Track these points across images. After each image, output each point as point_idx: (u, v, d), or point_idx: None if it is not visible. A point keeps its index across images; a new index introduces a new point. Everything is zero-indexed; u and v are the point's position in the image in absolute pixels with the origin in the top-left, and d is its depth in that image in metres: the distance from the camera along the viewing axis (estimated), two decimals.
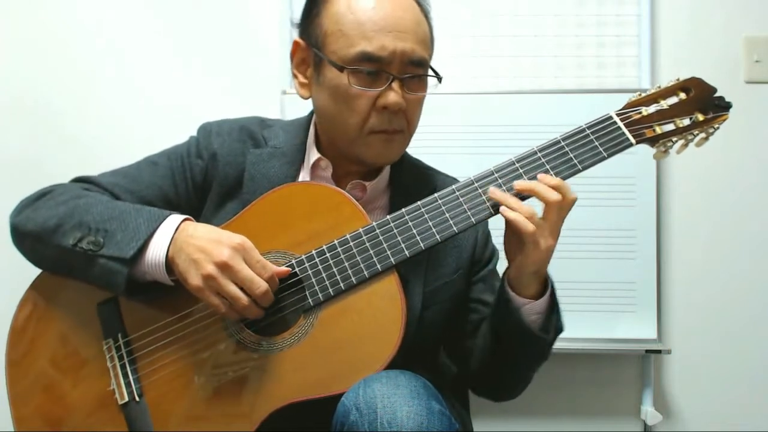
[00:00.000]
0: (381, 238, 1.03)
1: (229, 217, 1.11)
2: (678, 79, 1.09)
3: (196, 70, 2.00)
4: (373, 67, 1.06)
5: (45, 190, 1.14)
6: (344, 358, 0.98)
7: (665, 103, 1.07)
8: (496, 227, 1.10)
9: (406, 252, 1.02)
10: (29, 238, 1.08)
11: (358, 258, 1.03)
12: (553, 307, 1.08)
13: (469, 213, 1.03)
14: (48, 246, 1.05)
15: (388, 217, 1.05)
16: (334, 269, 1.03)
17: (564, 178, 1.03)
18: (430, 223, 1.03)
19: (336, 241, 1.04)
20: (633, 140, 1.05)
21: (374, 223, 1.04)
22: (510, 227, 1.03)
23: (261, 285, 0.97)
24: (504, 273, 1.09)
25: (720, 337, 1.93)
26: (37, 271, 1.12)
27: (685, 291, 1.94)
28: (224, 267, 0.96)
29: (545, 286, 1.07)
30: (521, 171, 1.04)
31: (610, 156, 1.05)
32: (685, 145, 1.08)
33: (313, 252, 1.04)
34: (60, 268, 1.08)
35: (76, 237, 1.03)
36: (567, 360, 1.93)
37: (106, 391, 1.04)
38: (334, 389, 0.94)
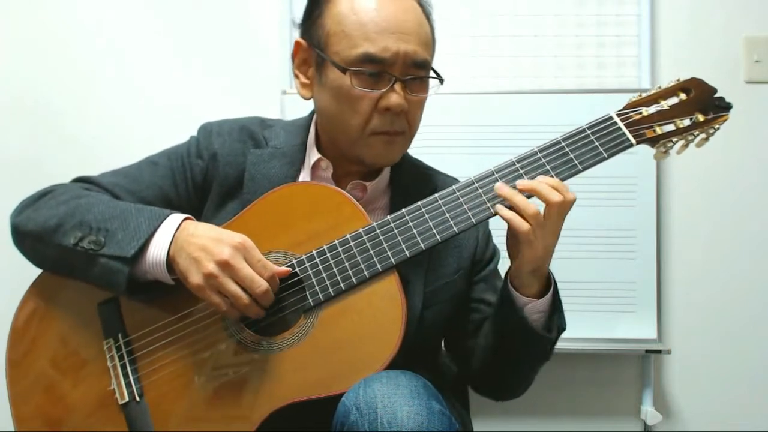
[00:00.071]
0: (381, 238, 1.03)
1: (230, 217, 1.11)
2: (678, 80, 1.09)
3: (196, 70, 2.00)
4: (376, 69, 1.06)
5: (45, 190, 1.14)
6: (344, 358, 0.98)
7: (665, 104, 1.07)
8: (497, 227, 1.10)
9: (407, 252, 1.02)
10: (30, 238, 1.08)
11: (359, 258, 1.03)
12: (556, 306, 1.08)
13: (469, 213, 1.03)
14: (49, 246, 1.05)
15: (388, 217, 1.05)
16: (335, 269, 1.03)
17: (564, 179, 1.03)
18: (431, 224, 1.03)
19: (336, 241, 1.04)
20: (633, 141, 1.05)
21: (374, 223, 1.04)
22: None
23: (261, 284, 0.97)
24: (506, 272, 1.09)
25: (720, 337, 1.93)
26: (38, 271, 1.12)
27: (685, 291, 1.94)
28: (225, 266, 0.96)
29: (548, 285, 1.07)
30: (521, 171, 1.04)
31: (610, 156, 1.05)
32: (686, 146, 1.08)
33: (314, 252, 1.04)
34: (61, 268, 1.08)
35: (77, 236, 1.03)
36: (567, 360, 1.93)
37: (106, 391, 1.04)
38: (334, 389, 0.94)
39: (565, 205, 1.00)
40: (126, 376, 1.03)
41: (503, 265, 1.15)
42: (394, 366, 0.95)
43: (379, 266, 1.02)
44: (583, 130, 1.06)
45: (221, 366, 1.02)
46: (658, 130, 1.06)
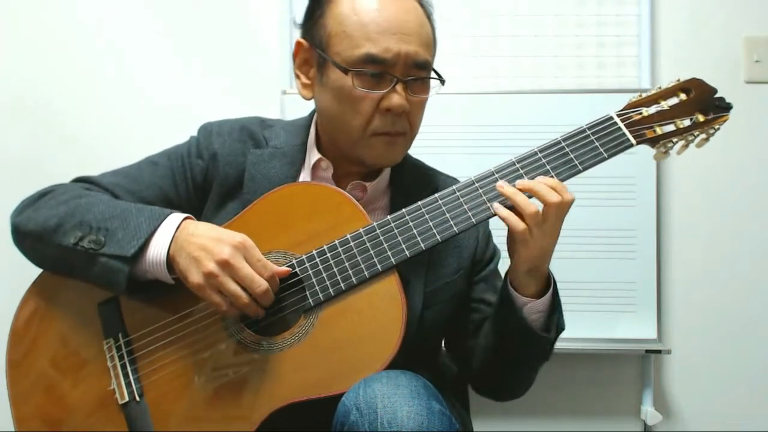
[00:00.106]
0: (381, 238, 1.03)
1: (230, 217, 1.11)
2: (678, 80, 1.09)
3: (196, 70, 2.00)
4: (377, 69, 1.06)
5: (46, 190, 1.14)
6: (344, 358, 0.98)
7: (666, 104, 1.07)
8: (498, 227, 1.10)
9: (407, 252, 1.02)
10: (30, 238, 1.08)
11: (359, 258, 1.03)
12: (555, 306, 1.08)
13: (469, 213, 1.03)
14: (49, 245, 1.05)
15: (388, 217, 1.05)
16: (335, 269, 1.03)
17: (564, 179, 1.04)
18: (431, 224, 1.03)
19: (336, 241, 1.04)
20: (633, 141, 1.05)
21: (375, 223, 1.04)
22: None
23: (261, 284, 0.97)
24: (506, 272, 1.09)
25: (720, 337, 1.93)
26: (38, 271, 1.12)
27: (685, 291, 1.94)
28: (225, 265, 0.96)
29: (548, 285, 1.08)
30: (522, 171, 1.04)
31: (610, 157, 1.05)
32: (686, 146, 1.08)
33: (314, 252, 1.04)
34: (61, 268, 1.09)
35: (77, 236, 1.03)
36: (567, 360, 1.93)
37: (106, 390, 1.04)
38: (334, 389, 0.94)
39: (563, 206, 1.00)
40: (126, 376, 1.03)
41: (504, 264, 1.15)
42: (394, 366, 0.95)
43: (379, 266, 1.02)
44: (584, 131, 1.06)
45: (221, 366, 1.02)
46: (659, 131, 1.06)
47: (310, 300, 1.02)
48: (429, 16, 1.13)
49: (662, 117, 1.06)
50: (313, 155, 1.17)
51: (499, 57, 1.98)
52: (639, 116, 1.07)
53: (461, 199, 1.04)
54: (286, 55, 1.97)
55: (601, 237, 1.85)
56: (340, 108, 1.10)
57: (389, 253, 1.02)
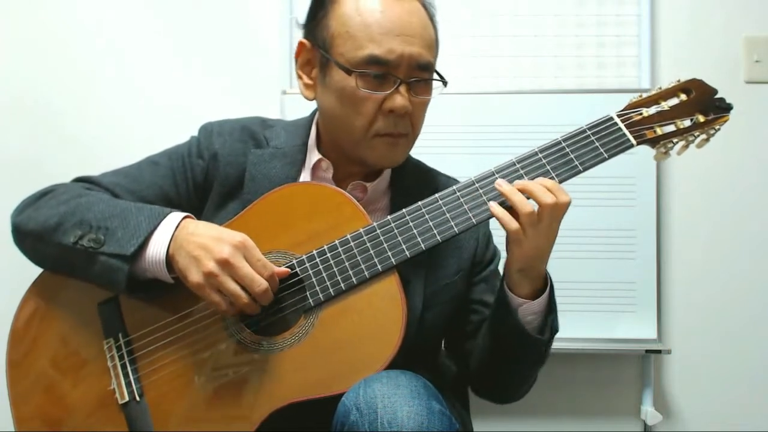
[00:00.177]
0: (382, 238, 1.03)
1: (230, 217, 1.11)
2: (679, 81, 1.09)
3: (196, 70, 2.00)
4: (381, 71, 1.06)
5: (46, 190, 1.14)
6: (344, 358, 0.98)
7: (666, 105, 1.07)
8: (499, 228, 1.09)
9: (407, 252, 1.02)
10: (30, 237, 1.08)
11: (359, 258, 1.03)
12: (550, 308, 1.08)
13: (470, 213, 1.03)
14: (49, 244, 1.06)
15: (388, 217, 1.05)
16: (335, 269, 1.03)
17: (565, 179, 1.04)
18: (431, 224, 1.03)
19: (337, 241, 1.04)
20: (634, 141, 1.05)
21: (375, 224, 1.04)
22: None
23: (261, 283, 0.97)
24: (502, 272, 1.09)
25: (720, 337, 1.93)
26: (38, 271, 1.12)
27: (685, 291, 1.94)
28: (225, 264, 0.96)
29: (545, 286, 1.07)
30: (522, 171, 1.04)
31: (610, 157, 1.05)
32: (686, 147, 1.08)
33: (314, 252, 1.04)
34: (61, 267, 1.09)
35: (77, 235, 1.03)
36: (567, 360, 1.93)
37: (106, 390, 1.04)
38: (334, 389, 0.94)
39: (559, 207, 0.99)
40: (126, 375, 1.03)
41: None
42: (394, 366, 0.95)
43: (379, 266, 1.02)
44: (584, 131, 1.06)
45: (221, 366, 1.02)
46: (659, 131, 1.06)
47: (310, 300, 1.02)
48: (432, 17, 1.13)
49: (662, 117, 1.06)
50: (314, 156, 1.17)
51: (499, 57, 1.98)
52: (639, 117, 1.06)
53: (461, 200, 1.04)
54: (286, 55, 1.97)
55: (601, 237, 1.85)
56: (342, 109, 1.10)
57: (389, 253, 1.02)
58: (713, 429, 1.93)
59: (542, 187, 1.00)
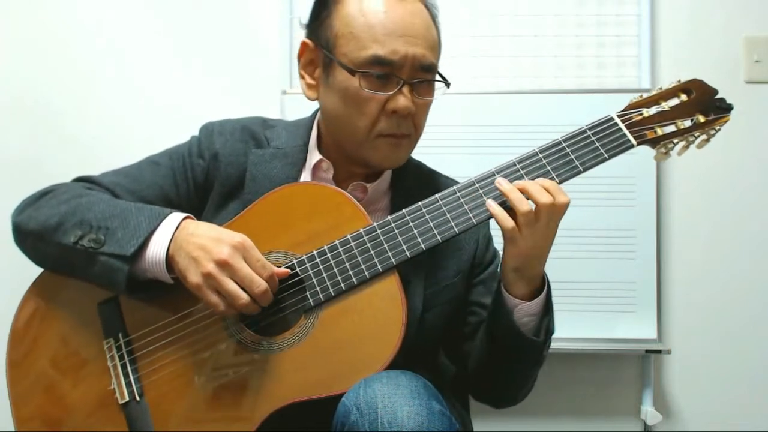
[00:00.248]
0: (382, 238, 1.03)
1: (231, 217, 1.11)
2: (679, 81, 1.09)
3: (196, 70, 2.00)
4: (384, 71, 1.06)
5: (47, 190, 1.14)
6: (345, 358, 0.98)
7: (666, 105, 1.07)
8: (499, 229, 1.09)
9: (407, 252, 1.02)
10: (31, 237, 1.08)
11: (359, 258, 1.03)
12: (547, 310, 1.07)
13: (470, 214, 1.03)
14: (49, 244, 1.06)
15: (389, 217, 1.05)
16: (335, 269, 1.03)
17: (565, 179, 1.04)
18: (431, 224, 1.03)
19: (337, 242, 1.04)
20: (634, 141, 1.05)
21: (375, 224, 1.04)
22: None
23: (261, 284, 0.97)
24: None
25: (720, 337, 1.93)
26: (38, 271, 1.12)
27: (685, 291, 1.94)
28: (224, 265, 0.96)
29: (543, 288, 1.07)
30: (522, 172, 1.04)
31: (611, 157, 1.05)
32: (686, 147, 1.08)
33: (314, 252, 1.04)
34: (61, 267, 1.09)
35: (77, 235, 1.03)
36: (567, 360, 1.93)
37: (106, 390, 1.04)
38: (334, 389, 0.94)
39: (556, 208, 0.99)
40: (126, 375, 1.03)
41: None
42: (395, 366, 0.95)
43: (379, 266, 1.02)
44: (584, 131, 1.06)
45: (221, 366, 1.02)
46: (659, 131, 1.06)
47: (311, 300, 1.02)
48: (434, 18, 1.13)
49: (663, 118, 1.06)
50: (314, 156, 1.17)
51: (499, 57, 1.98)
52: (640, 117, 1.06)
53: (462, 200, 1.04)
54: (286, 55, 1.97)
55: (601, 237, 1.85)
56: (345, 109, 1.10)
57: (390, 253, 1.02)
58: (713, 429, 1.93)
59: (540, 187, 1.00)
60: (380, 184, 1.18)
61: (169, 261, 1.00)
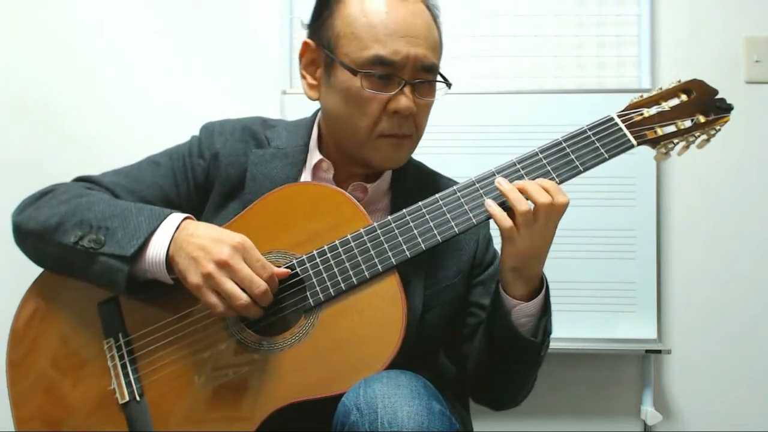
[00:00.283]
0: (382, 238, 1.03)
1: (231, 217, 1.11)
2: (679, 81, 1.09)
3: (196, 70, 2.00)
4: (386, 71, 1.06)
5: (47, 189, 1.14)
6: (345, 358, 0.98)
7: (666, 105, 1.07)
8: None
9: (407, 252, 1.02)
10: (31, 237, 1.08)
11: (359, 258, 1.02)
12: (545, 311, 1.07)
13: (470, 214, 1.03)
14: (49, 244, 1.06)
15: (389, 217, 1.05)
16: (335, 269, 1.03)
17: (565, 179, 1.04)
18: (431, 224, 1.03)
19: (337, 242, 1.04)
20: (634, 142, 1.05)
21: (375, 224, 1.04)
22: None
23: (260, 284, 0.97)
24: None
25: (720, 337, 1.93)
26: (38, 271, 1.12)
27: (685, 291, 1.94)
28: (224, 265, 0.96)
29: (541, 289, 1.07)
30: (522, 172, 1.04)
31: (611, 157, 1.05)
32: (687, 147, 1.08)
33: (314, 252, 1.04)
34: (61, 267, 1.09)
35: (77, 235, 1.03)
36: (567, 360, 1.93)
37: (106, 390, 1.04)
38: (334, 389, 0.94)
39: (555, 208, 0.99)
40: (126, 375, 1.03)
41: None
42: (395, 366, 0.95)
43: (379, 266, 1.02)
44: (584, 131, 1.06)
45: (221, 366, 1.02)
46: (659, 132, 1.06)
47: (311, 300, 1.02)
48: (436, 19, 1.13)
49: (663, 118, 1.06)
50: (315, 156, 1.17)
51: (499, 57, 1.98)
52: (640, 117, 1.06)
53: (462, 200, 1.04)
54: (286, 55, 1.97)
55: (601, 237, 1.85)
56: (347, 109, 1.10)
57: (390, 253, 1.02)
58: (713, 429, 1.93)
59: (539, 187, 1.00)
60: (380, 184, 1.18)
61: (169, 261, 1.00)
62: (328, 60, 1.11)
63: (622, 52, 1.97)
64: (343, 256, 1.03)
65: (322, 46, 1.12)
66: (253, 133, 1.20)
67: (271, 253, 1.05)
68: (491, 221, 1.04)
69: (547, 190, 0.99)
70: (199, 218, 1.12)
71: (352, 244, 1.03)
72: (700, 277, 1.93)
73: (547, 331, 1.08)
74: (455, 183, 1.21)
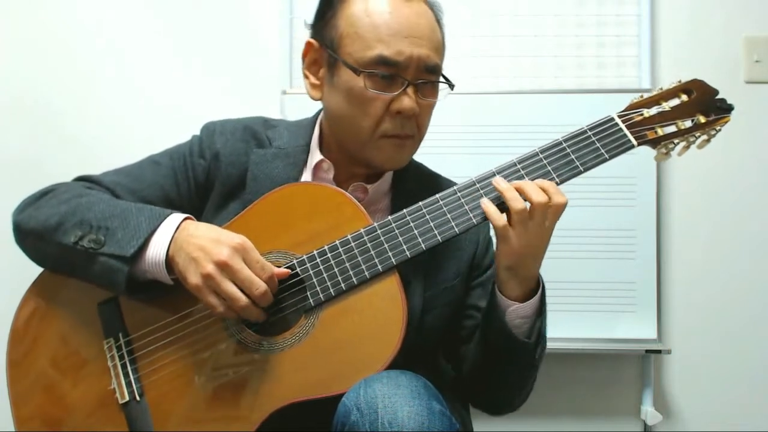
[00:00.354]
0: (382, 238, 1.03)
1: (231, 217, 1.11)
2: (680, 81, 1.09)
3: (196, 70, 2.00)
4: (389, 72, 1.06)
5: (47, 189, 1.14)
6: (345, 358, 0.98)
7: (667, 105, 1.07)
8: None
9: (407, 252, 1.02)
10: (31, 236, 1.08)
11: (359, 258, 1.02)
12: (540, 312, 1.07)
13: (470, 214, 1.03)
14: (50, 244, 1.05)
15: (389, 217, 1.05)
16: (335, 269, 1.03)
17: (565, 179, 1.03)
18: (432, 224, 1.03)
19: (337, 241, 1.04)
20: (634, 142, 1.05)
21: (375, 224, 1.04)
22: None
23: (260, 285, 0.97)
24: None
25: (720, 337, 1.93)
26: (38, 270, 1.12)
27: (685, 291, 1.94)
28: (224, 266, 0.96)
29: (537, 290, 1.07)
30: (523, 172, 1.04)
31: (611, 158, 1.05)
32: (687, 147, 1.08)
33: (315, 252, 1.04)
34: (61, 267, 1.09)
35: (78, 235, 1.03)
36: (567, 360, 1.93)
37: (106, 390, 1.04)
38: (334, 389, 0.94)
39: (551, 208, 0.99)
40: (126, 375, 1.03)
41: None
42: (395, 366, 0.95)
43: (379, 266, 1.02)
44: (585, 131, 1.06)
45: (221, 366, 1.02)
46: (660, 132, 1.06)
47: (311, 300, 1.02)
48: (439, 20, 1.13)
49: (663, 118, 1.06)
50: (315, 156, 1.17)
51: (499, 57, 1.98)
52: (640, 117, 1.06)
53: (462, 200, 1.04)
54: (286, 55, 1.97)
55: (601, 237, 1.85)
56: (350, 109, 1.09)
57: (390, 253, 1.02)
58: (713, 429, 1.93)
59: (536, 186, 1.00)
60: (381, 185, 1.18)
61: (169, 262, 1.00)
62: (331, 60, 1.11)
63: (622, 52, 1.97)
64: (344, 256, 1.03)
65: (325, 46, 1.12)
66: (254, 132, 1.20)
67: (271, 253, 1.05)
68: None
69: (545, 190, 0.99)
70: (199, 218, 1.12)
71: (353, 244, 1.03)
72: (700, 277, 1.93)
73: (542, 334, 1.08)
74: (456, 185, 1.21)
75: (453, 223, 1.03)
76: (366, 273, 1.01)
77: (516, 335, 1.04)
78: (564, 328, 1.82)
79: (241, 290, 0.97)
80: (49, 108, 2.01)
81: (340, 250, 1.03)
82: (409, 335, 0.98)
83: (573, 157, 1.04)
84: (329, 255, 1.04)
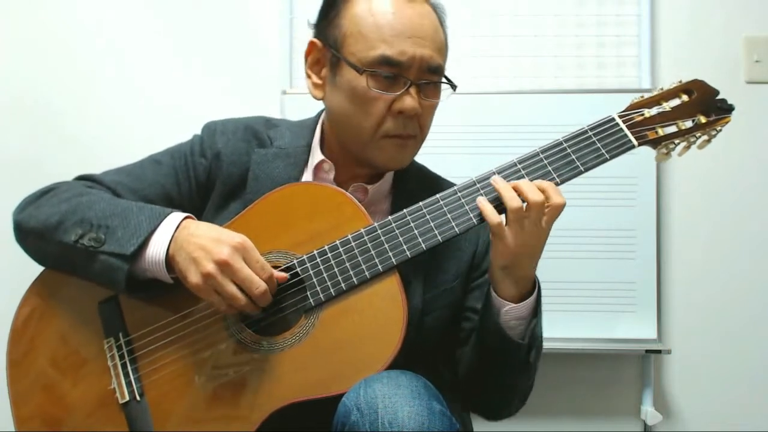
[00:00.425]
0: (382, 238, 1.03)
1: (232, 216, 1.11)
2: (680, 81, 1.09)
3: (196, 70, 2.00)
4: (392, 72, 1.06)
5: (48, 188, 1.14)
6: (345, 358, 0.98)
7: (667, 105, 1.07)
8: None
9: (408, 252, 1.02)
10: (32, 235, 1.08)
11: (360, 258, 1.02)
12: (535, 313, 1.06)
13: (471, 214, 1.03)
14: (50, 243, 1.06)
15: (389, 217, 1.05)
16: (336, 269, 1.03)
17: (566, 179, 1.04)
18: (432, 224, 1.03)
19: (337, 241, 1.04)
20: (635, 142, 1.05)
21: (376, 224, 1.04)
22: None
23: (260, 285, 0.97)
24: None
25: (720, 337, 1.93)
26: (38, 270, 1.12)
27: (685, 291, 1.94)
28: (224, 266, 0.96)
29: (533, 292, 1.06)
30: (523, 172, 1.04)
31: (612, 158, 1.05)
32: (687, 147, 1.08)
33: (315, 252, 1.04)
34: (62, 265, 1.09)
35: (78, 234, 1.03)
36: (567, 360, 1.93)
37: (106, 390, 1.04)
38: (334, 389, 0.94)
39: (548, 208, 0.99)
40: (126, 375, 1.03)
41: None
42: (395, 366, 0.95)
43: (380, 266, 1.02)
44: (585, 131, 1.06)
45: (222, 366, 1.02)
46: (660, 132, 1.06)
47: (311, 300, 1.02)
48: (442, 21, 1.14)
49: (664, 118, 1.06)
50: (316, 156, 1.17)
51: (499, 57, 1.98)
52: (641, 117, 1.06)
53: (462, 200, 1.04)
54: (286, 55, 1.97)
55: (601, 237, 1.85)
56: (352, 108, 1.10)
57: (390, 253, 1.02)
58: (713, 429, 1.93)
59: (533, 185, 1.00)
60: (381, 186, 1.18)
61: (169, 261, 1.00)
62: (333, 59, 1.11)
63: (622, 52, 1.97)
64: (344, 256, 1.03)
65: (328, 46, 1.12)
66: (256, 132, 1.20)
67: (271, 253, 1.05)
68: None
69: (543, 190, 0.99)
70: (200, 217, 1.12)
71: (353, 243, 1.03)
72: (700, 277, 1.93)
73: (536, 335, 1.07)
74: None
75: (453, 223, 1.03)
76: (366, 273, 1.02)
77: (510, 336, 1.04)
78: (564, 328, 1.82)
79: (241, 289, 0.97)
80: (49, 108, 2.01)
81: (341, 250, 1.03)
82: (409, 335, 0.98)
83: (573, 157, 1.04)
84: (329, 255, 1.04)
